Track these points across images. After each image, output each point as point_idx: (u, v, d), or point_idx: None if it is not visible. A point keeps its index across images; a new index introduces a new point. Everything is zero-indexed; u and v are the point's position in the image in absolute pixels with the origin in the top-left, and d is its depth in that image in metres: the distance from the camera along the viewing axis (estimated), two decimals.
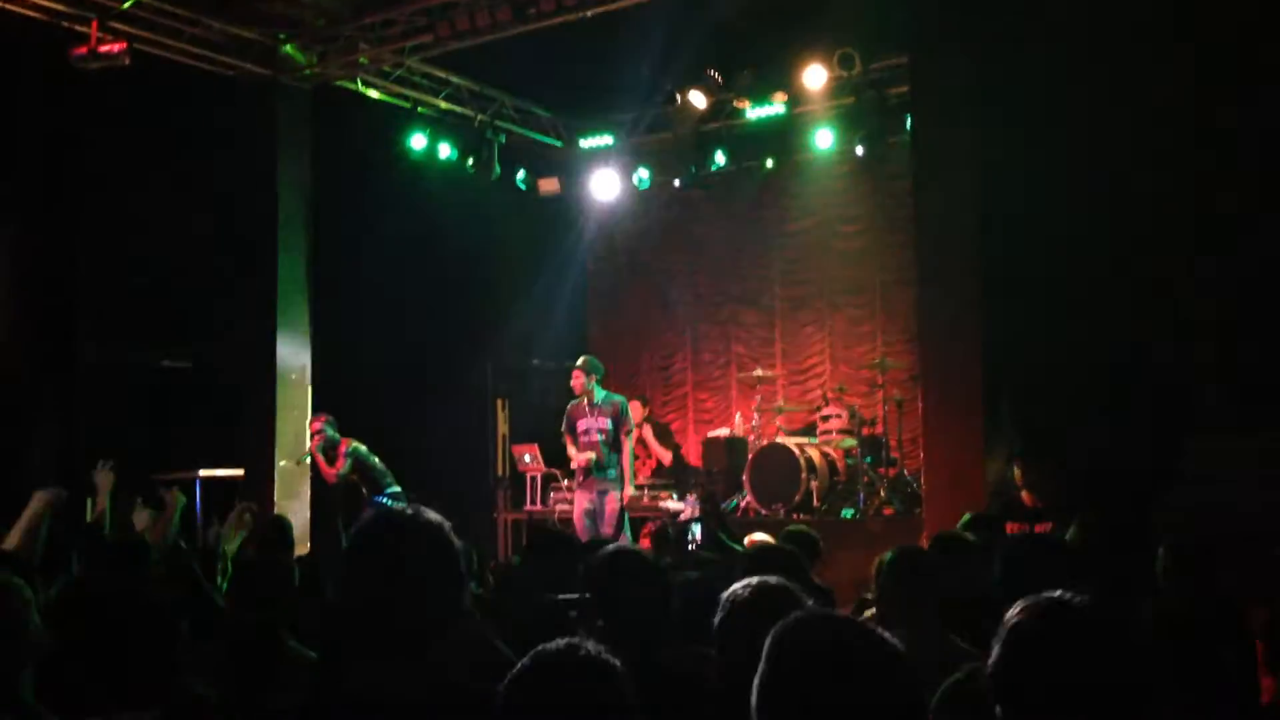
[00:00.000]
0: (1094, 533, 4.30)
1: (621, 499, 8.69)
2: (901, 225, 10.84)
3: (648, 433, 11.99)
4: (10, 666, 2.46)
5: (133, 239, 9.85)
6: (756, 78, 11.31)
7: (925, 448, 8.57)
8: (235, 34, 9.73)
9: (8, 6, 8.40)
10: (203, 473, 9.45)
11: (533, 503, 11.50)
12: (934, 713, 2.36)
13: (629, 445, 8.83)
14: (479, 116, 11.74)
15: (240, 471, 9.73)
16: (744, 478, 10.79)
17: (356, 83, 10.69)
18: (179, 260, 9.89)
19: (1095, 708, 1.94)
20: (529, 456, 11.46)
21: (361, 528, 2.05)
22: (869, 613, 4.28)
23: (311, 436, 9.44)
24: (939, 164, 8.47)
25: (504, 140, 11.93)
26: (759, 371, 11.99)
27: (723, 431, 12.08)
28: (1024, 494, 7.50)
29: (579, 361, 8.97)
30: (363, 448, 9.40)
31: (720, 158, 12.44)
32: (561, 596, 3.93)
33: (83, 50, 8.51)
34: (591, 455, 8.70)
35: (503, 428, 12.19)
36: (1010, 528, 6.94)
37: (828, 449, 11.00)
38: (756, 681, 1.91)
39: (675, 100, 11.52)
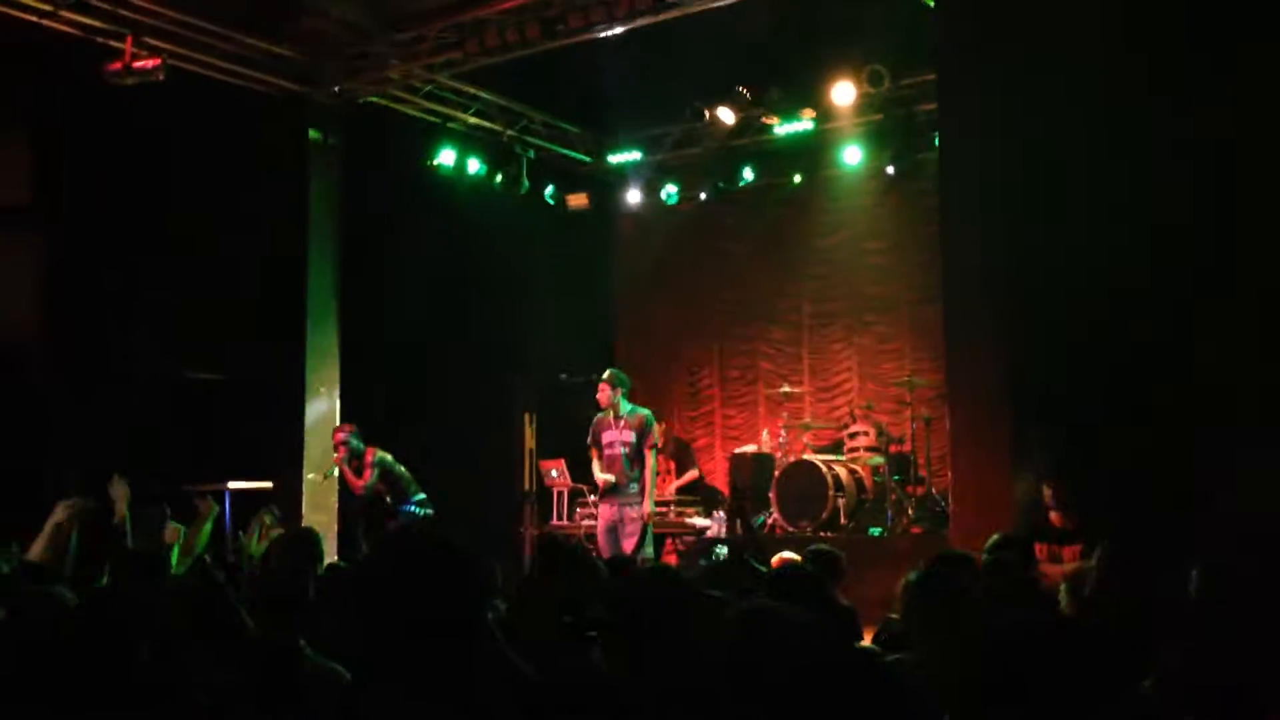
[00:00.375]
0: (1115, 562, 4.24)
1: (643, 515, 8.65)
2: (930, 242, 10.78)
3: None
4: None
5: (165, 251, 9.95)
6: (785, 94, 11.32)
7: (952, 466, 8.50)
8: (267, 50, 9.82)
9: (45, 22, 8.51)
10: (232, 485, 9.49)
11: (559, 518, 11.51)
12: None
13: (651, 460, 8.80)
14: (508, 132, 11.79)
15: (269, 484, 9.77)
16: (771, 495, 10.75)
17: (386, 98, 10.76)
18: (210, 273, 9.97)
19: None
20: (556, 471, 11.46)
21: (377, 549, 2.05)
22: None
23: (336, 448, 9.44)
24: (966, 180, 8.42)
25: (533, 156, 11.98)
26: (786, 388, 11.96)
27: (750, 448, 12.05)
28: (1053, 515, 7.43)
29: (605, 374, 8.96)
30: (388, 457, 9.40)
31: (748, 174, 12.47)
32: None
33: (118, 66, 8.62)
34: (611, 478, 8.68)
35: (530, 442, 12.19)
36: (1039, 549, 6.88)
37: (855, 466, 10.94)
38: None
39: (704, 116, 11.54)
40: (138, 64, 8.60)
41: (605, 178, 13.22)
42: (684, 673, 2.51)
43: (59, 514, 4.58)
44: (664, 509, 10.41)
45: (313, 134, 10.31)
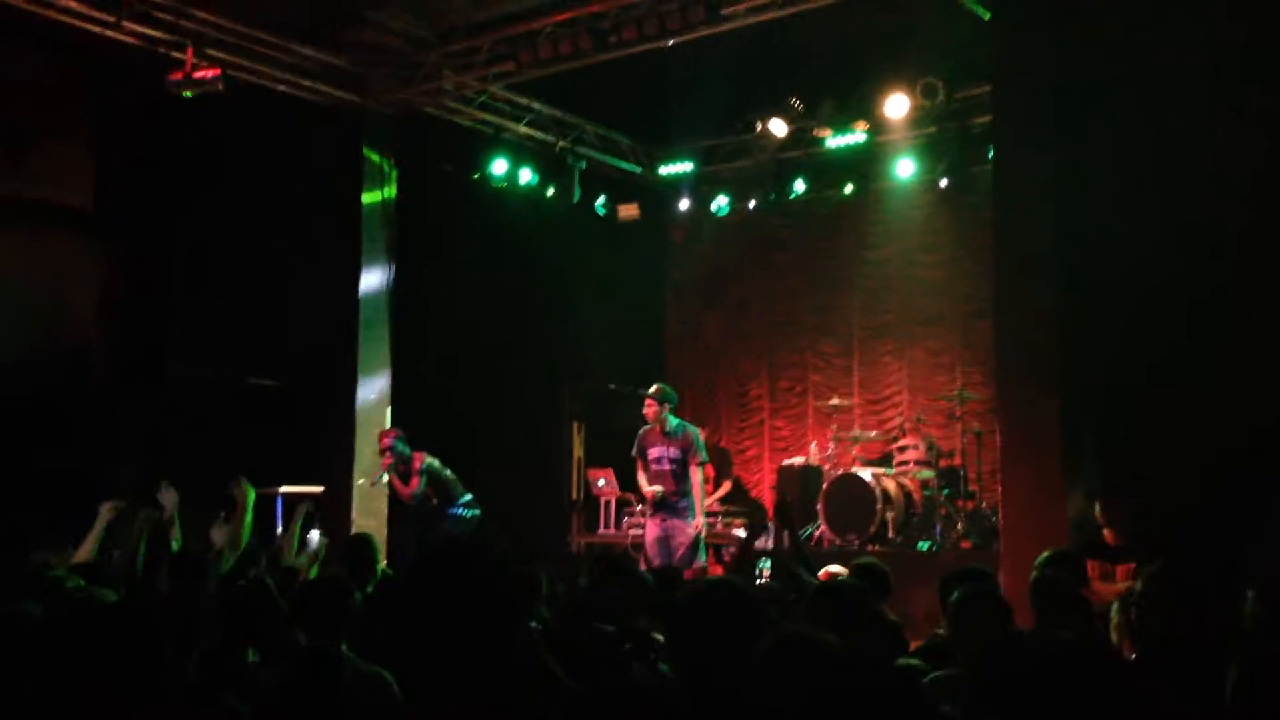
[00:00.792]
0: (1166, 584, 4.17)
1: (694, 528, 8.67)
2: (982, 256, 10.69)
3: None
4: None
5: (223, 258, 10.11)
6: (838, 107, 11.29)
7: (1003, 481, 8.42)
8: (323, 60, 9.96)
9: (108, 33, 8.69)
10: (283, 489, 9.60)
11: (606, 527, 11.54)
12: None
13: (699, 476, 8.81)
14: (560, 142, 11.85)
15: (320, 489, 9.87)
16: (818, 507, 10.70)
17: (440, 109, 10.86)
18: (265, 280, 10.12)
19: None
20: (603, 481, 11.49)
21: (419, 559, 2.08)
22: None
23: (382, 453, 9.49)
24: (1020, 193, 8.35)
25: (584, 166, 12.02)
26: (836, 400, 11.91)
27: (798, 460, 12.00)
28: (1106, 532, 7.34)
29: (651, 390, 8.96)
30: (435, 462, 9.46)
31: (800, 186, 12.44)
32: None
33: (178, 76, 8.77)
34: (659, 489, 8.70)
35: (578, 451, 12.24)
36: (1091, 566, 6.79)
37: (904, 480, 10.87)
38: None
39: (756, 128, 11.55)
40: (198, 74, 8.75)
41: (656, 188, 13.25)
42: (732, 684, 2.52)
43: (104, 515, 4.66)
44: (711, 519, 10.39)
45: (367, 153, 10.42)
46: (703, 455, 8.90)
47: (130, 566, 4.59)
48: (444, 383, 10.84)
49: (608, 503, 11.58)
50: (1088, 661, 2.32)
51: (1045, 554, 5.62)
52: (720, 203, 12.97)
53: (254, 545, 5.30)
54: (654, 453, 8.81)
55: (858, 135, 11.48)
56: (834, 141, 11.63)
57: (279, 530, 9.08)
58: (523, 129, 11.59)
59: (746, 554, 8.07)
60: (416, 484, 9.32)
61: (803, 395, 13.11)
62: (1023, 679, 2.33)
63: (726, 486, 11.98)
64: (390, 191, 10.54)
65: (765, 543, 10.42)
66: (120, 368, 9.92)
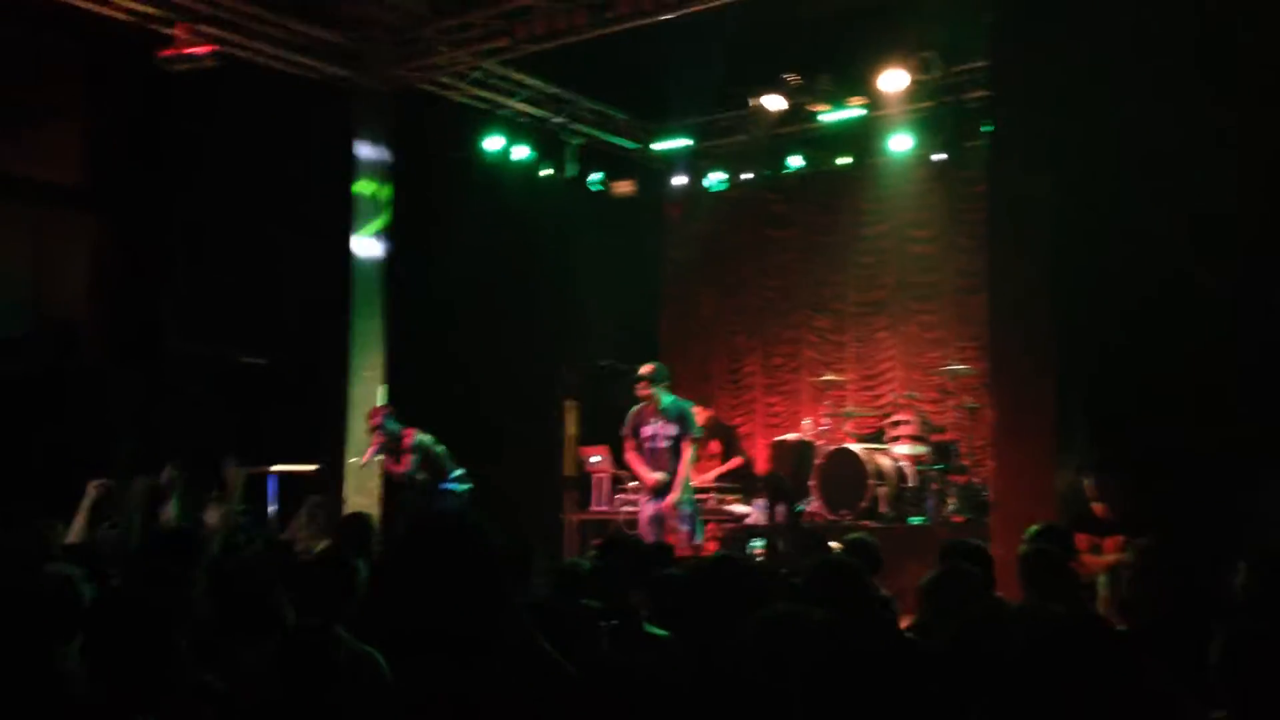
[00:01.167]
0: (1155, 557, 4.21)
1: (665, 506, 8.69)
2: (977, 231, 10.71)
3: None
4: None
5: (215, 236, 10.10)
6: (834, 81, 11.25)
7: (995, 456, 8.46)
8: (316, 36, 9.92)
9: (99, 9, 8.65)
10: (276, 468, 9.62)
11: (599, 504, 11.56)
12: None
13: (690, 453, 8.83)
14: (555, 119, 11.81)
15: (313, 467, 9.89)
16: (811, 483, 10.74)
17: (434, 85, 10.82)
18: (259, 257, 10.11)
19: None
20: (597, 458, 11.51)
21: (405, 536, 2.10)
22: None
23: (372, 432, 9.49)
24: (1015, 169, 8.35)
25: (580, 142, 11.99)
26: (829, 376, 11.93)
27: (791, 436, 12.02)
28: (1096, 506, 7.38)
29: (645, 369, 8.94)
30: (427, 438, 9.45)
31: (796, 161, 12.42)
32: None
33: (171, 52, 8.73)
34: (664, 476, 8.72)
35: (571, 428, 12.25)
36: (1080, 539, 6.83)
37: (897, 455, 10.90)
38: None
39: (751, 103, 11.52)
40: (191, 50, 8.71)
41: (651, 164, 13.22)
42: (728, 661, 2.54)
43: (91, 493, 4.67)
44: (705, 495, 10.41)
45: (362, 130, 10.36)
46: (695, 432, 8.91)
47: (124, 543, 4.61)
48: (438, 360, 10.83)
49: (601, 480, 11.61)
50: (1072, 637, 2.34)
51: (1034, 527, 5.64)
52: (716, 178, 12.95)
53: (248, 523, 5.33)
54: (647, 430, 8.81)
55: (854, 110, 11.45)
56: (830, 116, 11.59)
57: (271, 508, 9.12)
58: (518, 105, 11.55)
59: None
60: (408, 463, 9.33)
61: (796, 371, 13.12)
62: (1006, 655, 2.35)
63: (737, 461, 11.97)
64: (385, 169, 10.51)
65: (758, 518, 10.49)
66: (113, 346, 9.92)
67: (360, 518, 5.90)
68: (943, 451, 10.88)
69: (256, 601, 3.17)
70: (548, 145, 11.80)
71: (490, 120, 11.39)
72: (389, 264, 10.55)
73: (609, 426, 11.69)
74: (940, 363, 11.76)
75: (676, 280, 14.04)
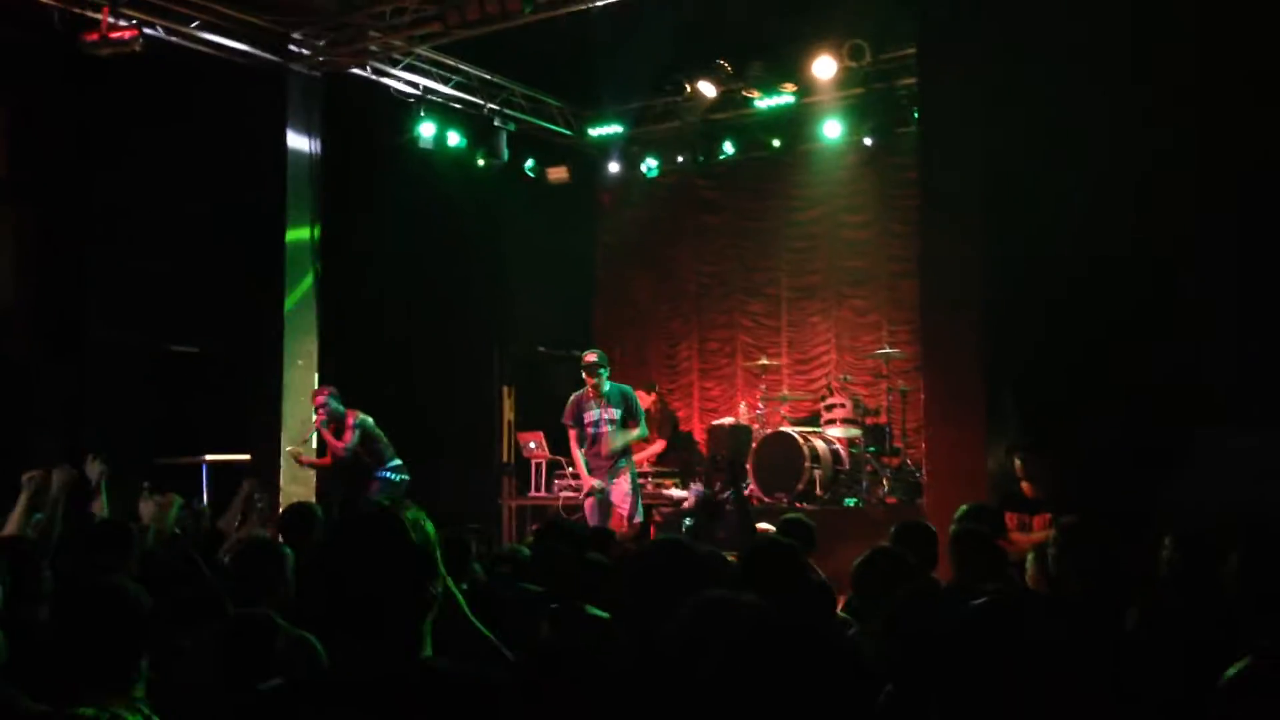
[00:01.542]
0: (1079, 534, 4.31)
1: (625, 491, 8.77)
2: (908, 216, 10.87)
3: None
4: None
5: (142, 223, 9.93)
6: (766, 68, 11.33)
7: (927, 438, 8.59)
8: (246, 21, 9.77)
9: None
10: (209, 457, 9.51)
11: (537, 489, 11.59)
12: None
13: (640, 428, 8.93)
14: (488, 105, 11.77)
15: (246, 457, 9.79)
16: (748, 466, 10.84)
17: (366, 70, 10.73)
18: (188, 245, 9.96)
19: None
20: (534, 444, 11.52)
21: (333, 526, 2.12)
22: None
23: (316, 410, 9.44)
24: (945, 154, 8.47)
25: (513, 128, 11.95)
26: (764, 360, 12.04)
27: (727, 420, 12.12)
28: (1024, 485, 7.53)
29: (594, 357, 8.97)
30: (369, 420, 9.42)
31: (729, 147, 12.50)
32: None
33: (94, 36, 8.55)
34: (600, 484, 8.78)
35: (509, 415, 12.25)
36: (1010, 518, 6.98)
37: (832, 438, 11.03)
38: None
39: (684, 90, 11.56)
40: (115, 35, 8.53)
41: (585, 151, 13.23)
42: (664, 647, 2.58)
43: (28, 485, 4.59)
44: (642, 480, 10.47)
45: (292, 116, 10.24)
46: (640, 414, 9.00)
47: (48, 534, 4.54)
48: (373, 348, 10.76)
49: (539, 466, 11.63)
50: (998, 612, 2.41)
51: (964, 507, 5.76)
52: (649, 164, 12.99)
53: (183, 514, 5.28)
54: (591, 416, 8.86)
55: (786, 97, 11.54)
56: (763, 103, 11.69)
57: (203, 499, 9.01)
58: (450, 91, 11.48)
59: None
60: (350, 438, 9.28)
61: (731, 356, 13.23)
62: (934, 634, 2.42)
63: (661, 444, 12.01)
64: (316, 156, 10.39)
65: (694, 502, 10.57)
66: (38, 335, 9.72)
67: (305, 507, 5.89)
68: (876, 434, 11.04)
69: (192, 590, 3.15)
70: (481, 132, 11.75)
71: (423, 106, 11.31)
72: (322, 252, 10.44)
73: (545, 412, 11.71)
74: (873, 347, 11.92)
75: (611, 266, 14.07)
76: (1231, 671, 2.23)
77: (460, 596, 2.77)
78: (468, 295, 12.04)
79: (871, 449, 10.82)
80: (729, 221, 13.29)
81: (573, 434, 8.98)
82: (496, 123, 11.75)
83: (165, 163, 9.61)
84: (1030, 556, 5.40)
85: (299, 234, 10.29)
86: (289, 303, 10.12)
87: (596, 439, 8.82)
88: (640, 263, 13.79)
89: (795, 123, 12.14)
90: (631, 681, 2.48)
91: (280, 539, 5.14)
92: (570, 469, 10.20)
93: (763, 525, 6.74)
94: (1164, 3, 7.57)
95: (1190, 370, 7.60)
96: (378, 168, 11.05)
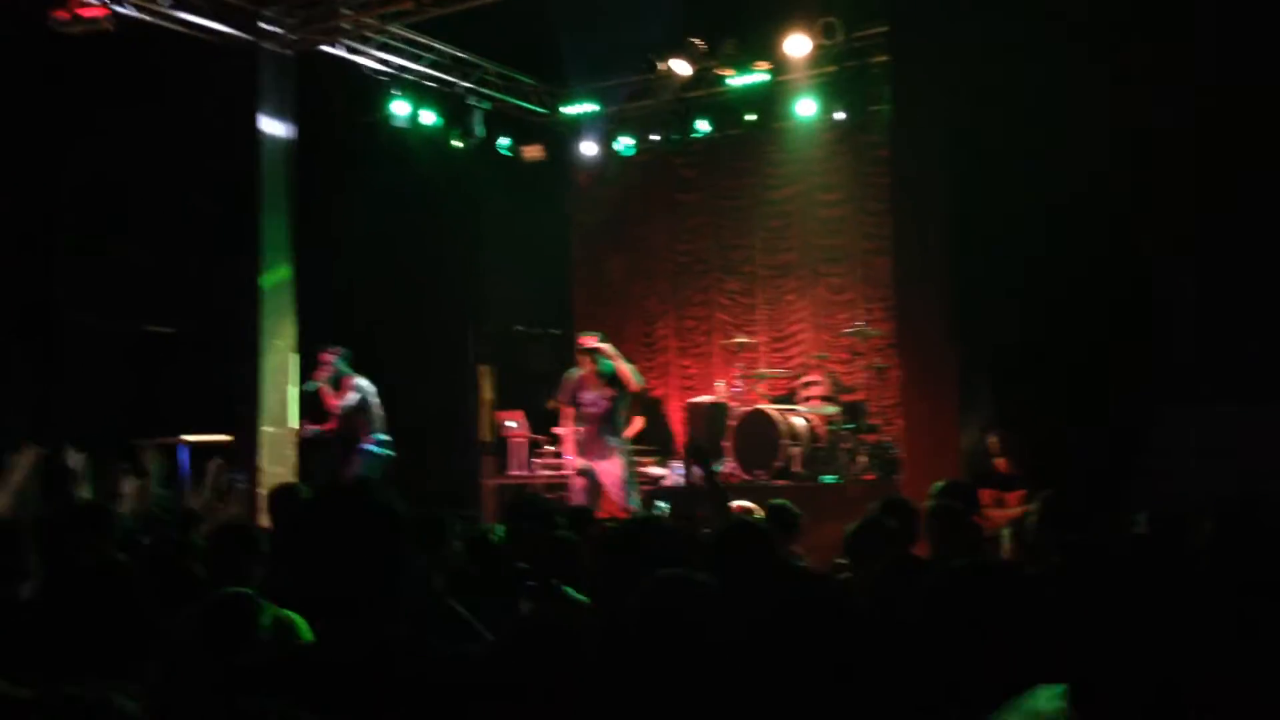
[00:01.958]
0: (1054, 509, 4.38)
1: (620, 471, 8.87)
2: (882, 194, 10.90)
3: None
4: None
5: (115, 203, 9.86)
6: (739, 46, 11.33)
7: (903, 415, 8.67)
8: None
9: None
10: (186, 438, 9.48)
11: (517, 468, 11.60)
12: None
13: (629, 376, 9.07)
14: (462, 83, 11.72)
15: (224, 437, 9.76)
16: (725, 444, 10.88)
17: (339, 49, 10.66)
18: (162, 225, 9.90)
19: None
20: (513, 423, 11.54)
21: (307, 504, 2.14)
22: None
23: (320, 366, 9.57)
24: (917, 132, 8.51)
25: (488, 107, 11.91)
26: (741, 339, 12.07)
27: (705, 398, 12.16)
28: (999, 461, 7.61)
29: (593, 341, 9.07)
30: (372, 389, 9.56)
31: (703, 125, 12.49)
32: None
33: (64, 14, 8.46)
34: (585, 464, 8.89)
35: (487, 394, 12.25)
36: (984, 494, 7.06)
37: (809, 415, 11.09)
38: None
39: (659, 68, 11.54)
40: (84, 12, 8.44)
41: (560, 129, 13.19)
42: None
43: (17, 467, 4.59)
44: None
45: (265, 94, 10.15)
46: (629, 377, 9.14)
47: (20, 512, 4.53)
48: (351, 327, 10.73)
49: (518, 444, 11.64)
50: (970, 584, 2.45)
51: (939, 483, 5.81)
52: (624, 143, 12.97)
53: (163, 496, 5.28)
54: (589, 396, 8.97)
55: (760, 75, 11.54)
56: (736, 81, 11.68)
57: (184, 479, 9.00)
58: (424, 69, 11.43)
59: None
60: (348, 396, 9.47)
61: (708, 334, 13.25)
62: (911, 605, 2.46)
63: (640, 422, 12.03)
64: (289, 135, 10.33)
65: (673, 480, 10.61)
66: (9, 318, 9.65)
67: (290, 488, 5.91)
68: (853, 411, 11.10)
69: (174, 570, 3.16)
70: (455, 111, 11.70)
71: (397, 85, 11.24)
72: (297, 231, 10.38)
73: (524, 391, 11.73)
74: (849, 324, 11.96)
75: (587, 244, 14.05)
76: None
77: (437, 576, 2.80)
78: (444, 274, 12.01)
79: (849, 426, 10.88)
80: (705, 200, 13.30)
81: (566, 412, 9.09)
82: (471, 101, 11.71)
83: (138, 143, 9.53)
84: (1006, 531, 5.47)
85: (273, 213, 10.22)
86: (266, 283, 10.07)
87: (591, 418, 8.95)
88: (616, 241, 13.78)
89: (769, 101, 12.12)
90: (599, 657, 2.51)
91: (263, 520, 5.16)
92: (550, 448, 10.24)
93: (741, 503, 6.76)
94: None
95: (1161, 347, 7.69)
96: (352, 148, 11.00)
